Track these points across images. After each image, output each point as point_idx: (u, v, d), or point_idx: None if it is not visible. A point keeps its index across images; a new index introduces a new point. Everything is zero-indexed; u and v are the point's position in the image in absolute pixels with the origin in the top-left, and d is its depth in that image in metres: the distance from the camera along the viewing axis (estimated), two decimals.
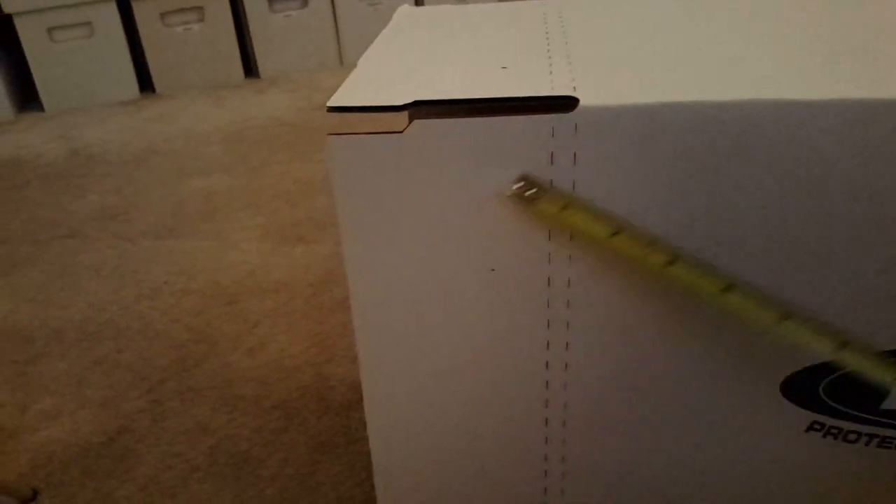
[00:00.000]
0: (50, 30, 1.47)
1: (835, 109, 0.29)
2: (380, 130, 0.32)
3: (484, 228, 0.33)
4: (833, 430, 0.35)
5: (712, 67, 0.33)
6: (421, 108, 0.32)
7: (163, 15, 1.55)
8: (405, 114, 0.32)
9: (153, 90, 1.59)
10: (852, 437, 0.36)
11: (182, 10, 1.56)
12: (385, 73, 0.36)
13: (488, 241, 0.34)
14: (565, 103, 0.30)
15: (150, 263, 0.87)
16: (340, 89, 0.34)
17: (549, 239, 0.33)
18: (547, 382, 0.37)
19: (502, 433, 0.39)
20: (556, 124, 0.31)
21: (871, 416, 0.35)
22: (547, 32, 0.40)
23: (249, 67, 1.67)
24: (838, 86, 0.30)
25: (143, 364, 0.69)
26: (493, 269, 0.34)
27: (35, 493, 0.53)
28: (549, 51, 0.37)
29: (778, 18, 0.41)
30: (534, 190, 0.31)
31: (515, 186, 0.32)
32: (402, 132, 0.32)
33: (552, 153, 0.31)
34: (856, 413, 0.35)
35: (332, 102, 0.32)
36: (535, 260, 0.34)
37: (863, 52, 0.34)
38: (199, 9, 1.57)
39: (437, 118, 0.32)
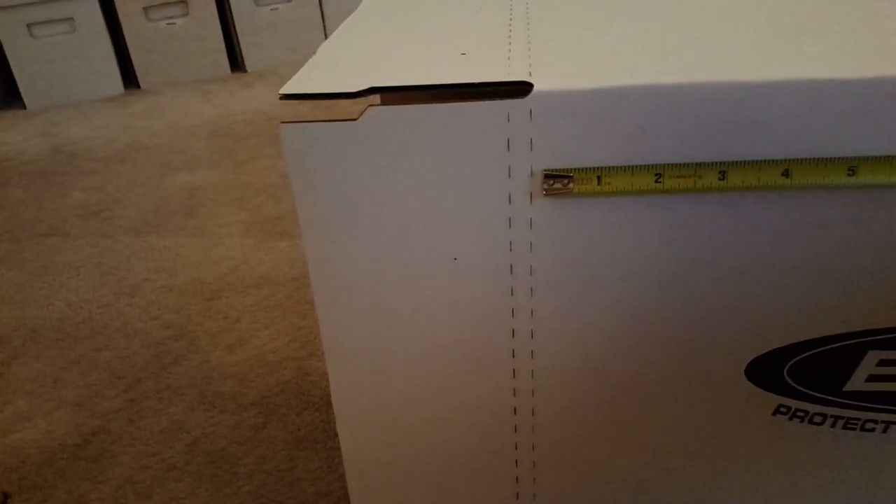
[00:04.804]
0: (30, 25, 1.45)
1: (793, 89, 0.28)
2: (334, 118, 0.31)
3: (444, 217, 0.32)
4: (799, 413, 0.35)
5: (674, 50, 0.32)
6: (376, 95, 0.31)
7: (146, 9, 1.53)
8: (360, 101, 0.31)
9: (138, 86, 1.58)
10: (818, 419, 0.35)
11: (166, 5, 1.55)
12: (343, 60, 0.35)
13: (449, 230, 0.33)
14: (520, 89, 0.29)
15: (131, 261, 0.86)
16: (296, 76, 0.33)
17: (510, 227, 0.32)
18: (514, 371, 0.36)
19: (471, 423, 0.38)
20: (511, 110, 0.30)
21: (835, 398, 0.34)
22: (511, 18, 0.39)
23: (236, 61, 1.66)
24: (797, 66, 0.29)
25: (120, 363, 0.68)
26: (455, 259, 0.34)
27: (5, 497, 0.53)
28: (510, 36, 0.36)
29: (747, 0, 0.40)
30: (564, 180, 0.30)
31: (545, 186, 0.31)
32: (356, 119, 0.31)
33: (508, 139, 0.30)
34: (820, 395, 0.34)
35: (286, 90, 0.31)
36: (496, 248, 0.33)
37: (828, 33, 0.33)
38: (183, 3, 1.56)
39: (392, 105, 0.31)
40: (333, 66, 0.34)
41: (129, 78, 1.59)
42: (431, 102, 0.30)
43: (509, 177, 0.31)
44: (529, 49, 0.34)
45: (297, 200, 0.33)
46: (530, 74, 0.31)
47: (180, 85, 1.58)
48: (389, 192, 0.32)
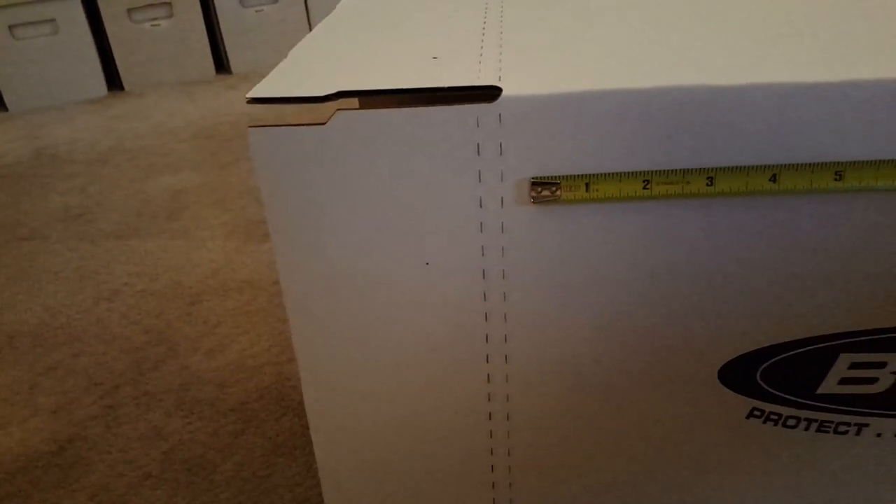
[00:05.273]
0: (12, 27, 1.44)
1: (761, 93, 0.28)
2: (302, 122, 0.31)
3: (415, 222, 0.32)
4: (773, 417, 0.35)
5: (645, 54, 0.32)
6: (344, 99, 0.30)
7: (130, 11, 1.52)
8: (328, 105, 0.30)
9: (122, 87, 1.56)
10: (791, 422, 0.35)
11: (150, 6, 1.54)
12: (313, 63, 0.34)
13: (420, 235, 0.32)
14: (489, 93, 0.29)
15: (111, 265, 0.86)
16: (265, 80, 0.33)
17: (481, 231, 0.32)
18: (488, 376, 0.36)
19: (446, 428, 0.38)
20: (480, 114, 0.29)
21: (808, 401, 0.34)
22: (485, 22, 0.39)
23: (221, 63, 1.65)
24: (767, 70, 0.29)
25: (98, 369, 0.67)
26: (427, 263, 0.33)
27: None
28: (483, 40, 0.36)
29: (722, 4, 0.40)
30: (552, 187, 0.30)
31: (532, 194, 0.30)
32: (324, 124, 0.30)
33: (478, 144, 0.30)
34: (793, 398, 0.34)
35: (253, 93, 0.31)
36: (468, 253, 0.33)
37: (810, 35, 0.33)
38: (168, 4, 1.55)
39: (361, 109, 0.30)
40: (303, 70, 0.33)
41: (113, 80, 1.58)
42: (400, 107, 0.30)
43: (480, 181, 0.31)
44: (501, 53, 0.34)
45: (266, 205, 0.32)
46: (500, 79, 0.30)
47: (165, 86, 1.57)
48: (359, 197, 0.32)
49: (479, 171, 0.31)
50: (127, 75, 1.57)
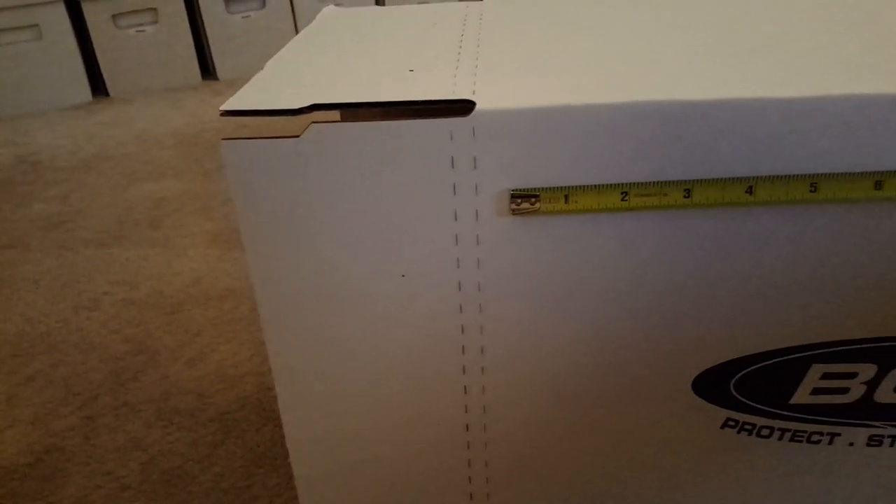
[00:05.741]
0: None
1: (729, 109, 0.28)
2: (276, 135, 0.31)
3: (390, 234, 0.32)
4: (747, 427, 0.35)
5: (620, 69, 0.32)
6: (319, 112, 0.30)
7: (115, 17, 1.51)
8: (302, 117, 0.30)
9: (106, 94, 1.55)
10: (765, 432, 0.35)
11: (135, 12, 1.53)
12: (289, 76, 0.34)
13: (396, 247, 0.32)
14: (463, 107, 0.29)
15: (91, 273, 0.85)
16: (239, 92, 0.33)
17: (457, 244, 0.32)
18: (465, 387, 0.36)
19: (423, 440, 0.38)
20: (453, 128, 0.30)
21: (781, 411, 0.35)
22: (462, 35, 0.39)
23: (207, 69, 1.64)
24: (740, 85, 0.30)
25: (77, 379, 0.66)
26: (403, 275, 0.33)
27: None
28: (459, 54, 0.36)
29: (695, 21, 0.40)
30: (531, 199, 0.30)
31: (512, 206, 0.30)
32: (298, 136, 0.30)
33: (452, 157, 0.30)
34: (767, 408, 0.34)
35: (227, 106, 0.31)
36: (443, 265, 0.33)
37: (768, 52, 0.34)
38: (153, 10, 1.54)
39: (335, 122, 0.30)
40: (278, 83, 0.33)
41: (98, 86, 1.57)
42: (375, 120, 0.30)
43: (455, 194, 0.31)
44: (476, 67, 0.34)
45: (239, 217, 0.32)
46: (474, 93, 0.30)
47: (150, 93, 1.56)
48: (334, 209, 0.32)
49: (454, 184, 0.31)
50: (112, 81, 1.56)
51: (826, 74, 0.30)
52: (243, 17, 1.61)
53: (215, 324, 0.72)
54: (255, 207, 0.32)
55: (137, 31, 1.54)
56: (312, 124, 0.30)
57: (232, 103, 0.31)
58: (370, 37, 0.41)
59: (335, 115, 0.32)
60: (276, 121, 0.31)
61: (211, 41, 1.59)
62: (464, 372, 0.36)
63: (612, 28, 0.39)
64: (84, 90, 1.53)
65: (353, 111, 0.31)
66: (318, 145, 0.30)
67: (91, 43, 1.52)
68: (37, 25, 1.45)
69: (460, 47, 0.37)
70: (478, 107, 0.29)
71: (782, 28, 0.37)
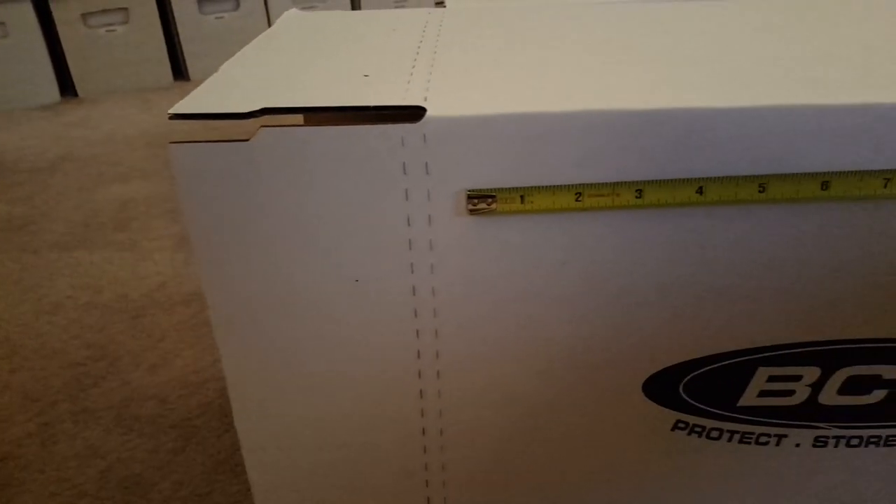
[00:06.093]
0: None
1: (664, 118, 0.29)
2: (225, 139, 0.30)
3: (342, 239, 0.32)
4: (697, 429, 0.36)
5: (569, 78, 0.33)
6: (269, 117, 0.30)
7: (84, 16, 1.49)
8: (252, 122, 0.30)
9: (75, 94, 1.53)
10: (715, 434, 0.36)
11: (105, 11, 1.51)
12: (243, 79, 0.34)
13: (348, 253, 0.32)
14: (414, 113, 0.29)
15: (54, 277, 0.83)
16: (190, 95, 0.32)
17: (410, 249, 0.32)
18: (421, 391, 0.36)
19: (380, 445, 0.38)
20: (404, 134, 0.30)
21: (730, 413, 0.35)
22: (421, 42, 0.39)
23: (179, 70, 1.63)
24: (681, 95, 0.30)
25: (36, 385, 0.65)
26: (356, 280, 0.33)
27: None
28: (415, 60, 0.36)
29: (647, 32, 0.41)
30: (487, 199, 0.30)
31: (469, 206, 0.31)
32: (248, 141, 0.30)
33: (404, 163, 0.30)
34: (716, 411, 0.35)
35: (175, 109, 0.31)
36: (397, 270, 0.33)
37: (705, 62, 0.34)
38: (124, 10, 1.52)
39: (285, 127, 0.30)
40: (231, 86, 0.33)
41: (67, 86, 1.54)
42: (327, 125, 0.30)
43: (406, 199, 0.31)
44: (431, 73, 0.34)
45: (189, 223, 0.32)
46: (426, 99, 0.31)
47: (120, 93, 1.54)
48: (285, 215, 0.32)
49: (406, 190, 0.31)
50: (81, 81, 1.53)
51: (771, 83, 0.31)
52: (217, 18, 1.59)
53: (179, 329, 0.72)
54: (205, 213, 0.32)
55: (108, 30, 1.52)
56: (262, 128, 0.30)
57: (182, 106, 0.31)
58: (329, 41, 0.41)
59: (295, 118, 0.32)
60: (226, 125, 0.31)
61: (183, 42, 1.57)
62: (419, 377, 0.36)
63: (568, 38, 0.39)
64: (52, 90, 1.50)
65: (316, 115, 0.31)
66: (269, 150, 0.30)
67: (59, 42, 1.49)
68: (3, 23, 1.42)
69: (417, 54, 0.37)
70: (428, 113, 0.29)
71: (730, 39, 0.38)
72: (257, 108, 0.30)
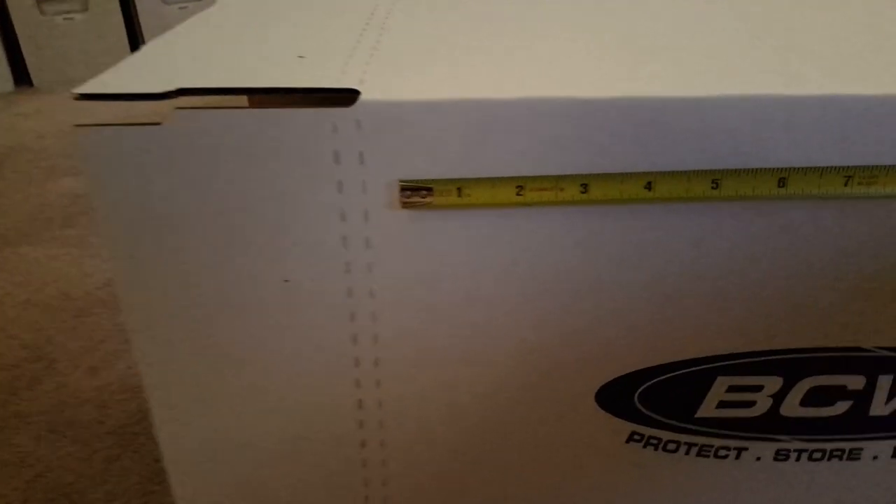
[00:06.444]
0: None
1: (611, 107, 0.27)
2: (137, 121, 0.27)
3: (270, 235, 0.29)
4: (653, 441, 0.34)
5: (517, 65, 0.31)
6: (185, 98, 0.27)
7: (39, 3, 1.43)
8: (167, 103, 0.27)
9: (30, 83, 1.47)
10: (672, 446, 0.34)
11: None
12: (165, 58, 0.31)
13: (277, 250, 0.30)
14: (346, 97, 0.27)
15: None
16: (102, 74, 0.29)
17: (345, 246, 0.30)
18: (360, 401, 0.33)
19: (316, 458, 0.35)
20: (336, 120, 0.27)
21: (687, 425, 0.33)
22: (367, 24, 0.37)
23: None
24: (630, 84, 0.28)
25: None
26: (286, 281, 0.30)
27: None
28: (358, 42, 0.33)
29: (602, 21, 0.39)
30: (422, 192, 0.28)
31: (402, 198, 0.28)
32: (160, 124, 0.27)
33: (336, 151, 0.28)
34: (672, 422, 0.33)
35: (82, 89, 0.28)
36: (331, 269, 0.30)
37: (673, 51, 0.32)
38: None
39: (203, 108, 0.27)
40: (152, 65, 0.30)
41: (21, 75, 1.48)
42: (249, 107, 0.27)
43: (340, 192, 0.29)
44: (371, 57, 0.31)
45: (98, 215, 0.29)
46: (362, 82, 0.28)
47: (77, 83, 1.48)
48: (205, 207, 0.29)
49: (340, 181, 0.29)
50: (36, 71, 1.47)
51: (731, 73, 0.29)
52: (180, 8, 1.55)
53: (122, 330, 0.68)
54: (115, 204, 0.29)
55: (65, 18, 1.47)
56: (177, 110, 0.27)
57: (90, 86, 0.28)
58: (270, 21, 0.38)
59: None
60: (137, 106, 0.28)
61: (145, 31, 1.52)
62: (357, 385, 0.33)
63: (526, 23, 0.37)
64: (5, 79, 1.44)
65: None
66: (185, 134, 0.27)
67: (13, 29, 1.43)
68: None
69: (361, 36, 0.35)
70: (362, 97, 0.27)
71: (701, 28, 0.36)
72: (174, 87, 0.27)
